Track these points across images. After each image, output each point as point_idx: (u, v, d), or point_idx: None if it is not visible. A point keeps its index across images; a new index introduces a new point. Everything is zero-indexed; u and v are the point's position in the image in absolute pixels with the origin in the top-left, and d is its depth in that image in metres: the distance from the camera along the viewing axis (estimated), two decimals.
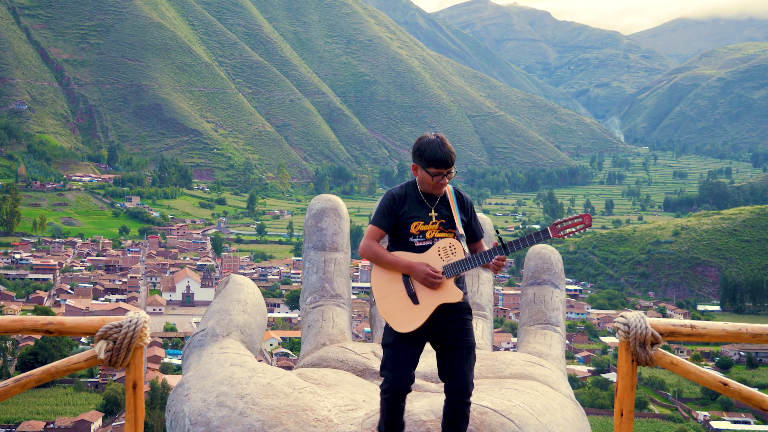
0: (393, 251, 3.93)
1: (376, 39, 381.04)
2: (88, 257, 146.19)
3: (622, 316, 4.41)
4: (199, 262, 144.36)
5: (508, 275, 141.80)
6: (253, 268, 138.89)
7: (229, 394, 4.14)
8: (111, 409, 65.65)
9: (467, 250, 3.89)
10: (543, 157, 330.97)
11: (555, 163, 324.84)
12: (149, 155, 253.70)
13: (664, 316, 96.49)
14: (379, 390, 3.98)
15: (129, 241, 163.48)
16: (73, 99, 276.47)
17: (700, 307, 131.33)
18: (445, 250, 3.85)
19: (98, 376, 75.53)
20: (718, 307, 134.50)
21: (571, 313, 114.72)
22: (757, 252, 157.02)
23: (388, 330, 3.89)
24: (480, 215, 6.04)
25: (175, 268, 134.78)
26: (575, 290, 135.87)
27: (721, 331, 4.35)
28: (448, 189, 3.96)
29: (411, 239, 3.88)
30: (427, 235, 3.88)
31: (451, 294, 3.83)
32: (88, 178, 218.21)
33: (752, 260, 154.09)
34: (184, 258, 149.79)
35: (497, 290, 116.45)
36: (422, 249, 3.86)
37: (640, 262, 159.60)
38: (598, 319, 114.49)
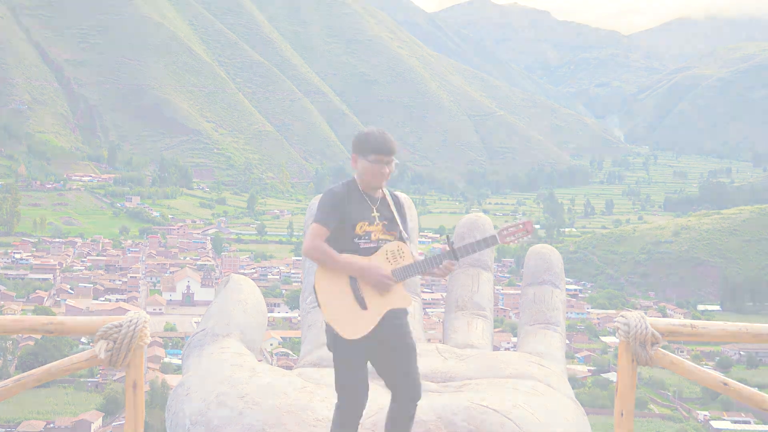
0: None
1: (376, 38, 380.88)
2: (88, 257, 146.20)
3: (622, 316, 4.41)
4: (199, 262, 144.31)
5: (508, 275, 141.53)
6: (253, 268, 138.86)
7: (230, 393, 4.13)
8: (111, 409, 65.64)
9: (415, 254, 3.74)
10: (543, 156, 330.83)
11: (555, 162, 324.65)
12: (149, 155, 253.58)
13: (664, 315, 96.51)
14: (379, 389, 3.97)
15: (129, 241, 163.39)
16: (73, 99, 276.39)
17: (700, 307, 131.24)
18: (393, 254, 3.66)
19: (98, 376, 75.50)
20: (718, 307, 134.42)
21: (571, 313, 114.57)
22: (757, 252, 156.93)
23: (334, 338, 3.63)
24: (479, 215, 6.04)
25: (175, 268, 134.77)
26: (575, 290, 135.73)
27: (721, 331, 4.36)
28: (384, 191, 3.78)
29: (356, 240, 3.63)
30: (372, 237, 3.66)
31: (400, 299, 3.66)
32: (88, 178, 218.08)
33: (752, 260, 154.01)
34: (184, 258, 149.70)
35: (497, 290, 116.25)
36: (367, 251, 3.64)
37: (640, 261, 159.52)
38: (598, 319, 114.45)
